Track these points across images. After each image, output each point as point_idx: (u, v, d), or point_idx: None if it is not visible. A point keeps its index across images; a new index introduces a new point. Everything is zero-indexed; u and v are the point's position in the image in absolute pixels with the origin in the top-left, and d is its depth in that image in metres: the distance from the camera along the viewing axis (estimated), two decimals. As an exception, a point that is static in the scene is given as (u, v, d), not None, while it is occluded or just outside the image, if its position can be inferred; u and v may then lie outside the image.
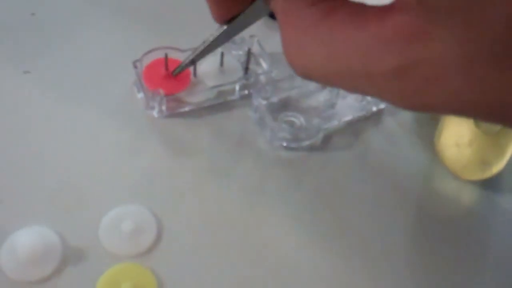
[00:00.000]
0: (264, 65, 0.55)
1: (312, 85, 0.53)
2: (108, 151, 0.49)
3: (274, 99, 0.52)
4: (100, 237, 0.44)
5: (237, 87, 0.52)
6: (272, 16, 0.31)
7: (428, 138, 0.51)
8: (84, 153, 0.49)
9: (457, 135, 0.48)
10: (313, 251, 0.45)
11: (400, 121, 0.53)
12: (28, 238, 0.42)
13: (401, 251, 0.46)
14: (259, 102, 0.51)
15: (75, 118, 0.50)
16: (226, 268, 0.44)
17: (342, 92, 0.51)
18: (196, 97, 0.52)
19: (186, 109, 0.52)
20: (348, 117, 0.52)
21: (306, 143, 0.50)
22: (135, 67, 0.51)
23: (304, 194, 0.48)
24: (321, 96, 0.53)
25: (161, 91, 0.50)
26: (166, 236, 0.45)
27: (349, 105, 0.52)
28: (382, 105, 0.53)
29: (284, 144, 0.50)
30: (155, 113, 0.51)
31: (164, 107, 0.51)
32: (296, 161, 0.50)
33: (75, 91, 0.52)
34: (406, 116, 0.53)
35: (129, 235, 0.44)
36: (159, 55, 0.51)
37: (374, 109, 0.53)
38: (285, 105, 0.52)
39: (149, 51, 0.51)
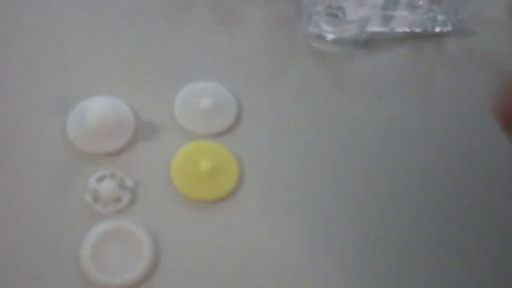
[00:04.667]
0: None
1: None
2: (187, 25, 0.44)
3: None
4: (176, 114, 0.40)
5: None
6: None
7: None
8: (159, 24, 0.44)
9: None
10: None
11: (465, 47, 0.46)
12: (99, 107, 0.38)
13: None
14: None
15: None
16: (308, 152, 0.41)
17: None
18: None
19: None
20: (402, 28, 0.45)
21: (343, 36, 0.44)
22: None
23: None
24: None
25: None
26: (246, 118, 0.41)
27: (408, 17, 0.45)
28: (449, 27, 0.46)
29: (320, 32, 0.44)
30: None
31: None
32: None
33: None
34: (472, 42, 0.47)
35: (207, 112, 0.40)
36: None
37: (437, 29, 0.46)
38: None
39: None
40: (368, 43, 0.45)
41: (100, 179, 0.37)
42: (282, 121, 0.41)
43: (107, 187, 0.37)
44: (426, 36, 0.46)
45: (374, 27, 0.45)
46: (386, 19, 0.45)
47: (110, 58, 0.42)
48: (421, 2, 0.45)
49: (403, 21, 0.45)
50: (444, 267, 0.38)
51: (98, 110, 0.38)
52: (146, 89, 0.41)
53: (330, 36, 0.44)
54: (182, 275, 0.36)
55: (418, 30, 0.45)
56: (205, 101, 0.40)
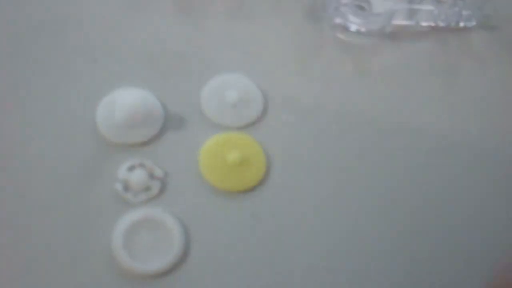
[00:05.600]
0: None
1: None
2: (214, 17, 0.45)
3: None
4: (202, 106, 0.41)
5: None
6: None
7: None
8: (185, 17, 0.44)
9: None
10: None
11: (489, 42, 0.46)
12: (130, 99, 0.39)
13: None
14: None
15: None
16: (334, 141, 0.41)
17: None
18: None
19: None
20: (427, 22, 0.46)
21: (369, 28, 0.45)
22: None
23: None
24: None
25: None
26: (272, 109, 0.41)
27: (433, 12, 0.45)
28: (473, 22, 0.46)
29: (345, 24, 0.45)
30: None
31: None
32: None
33: None
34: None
35: (233, 105, 0.40)
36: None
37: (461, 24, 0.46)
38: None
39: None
40: (393, 35, 0.45)
41: (130, 169, 0.38)
42: (308, 112, 0.42)
43: (138, 176, 0.37)
44: (451, 30, 0.46)
45: (400, 20, 0.45)
46: (412, 13, 0.45)
47: (137, 51, 0.42)
48: None
49: (429, 15, 0.45)
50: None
51: (129, 102, 0.38)
52: (173, 82, 0.42)
53: (353, 27, 0.45)
54: (211, 263, 0.37)
55: (442, 24, 0.46)
56: (231, 95, 0.40)
